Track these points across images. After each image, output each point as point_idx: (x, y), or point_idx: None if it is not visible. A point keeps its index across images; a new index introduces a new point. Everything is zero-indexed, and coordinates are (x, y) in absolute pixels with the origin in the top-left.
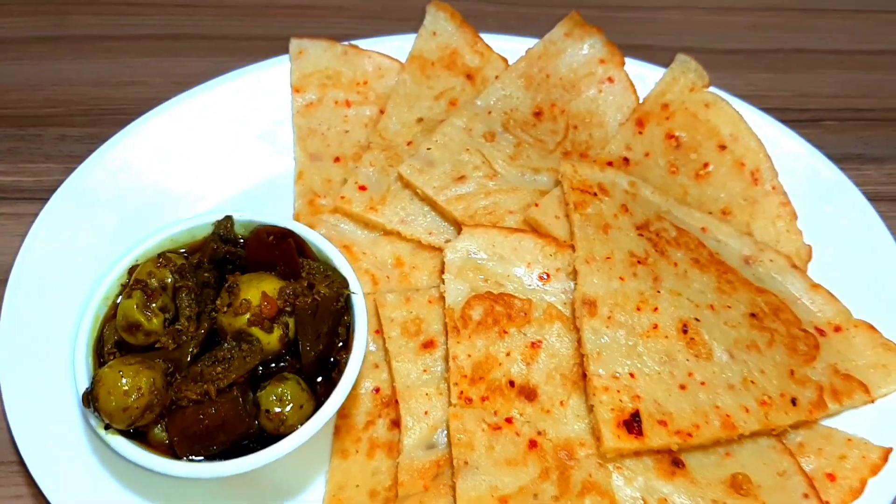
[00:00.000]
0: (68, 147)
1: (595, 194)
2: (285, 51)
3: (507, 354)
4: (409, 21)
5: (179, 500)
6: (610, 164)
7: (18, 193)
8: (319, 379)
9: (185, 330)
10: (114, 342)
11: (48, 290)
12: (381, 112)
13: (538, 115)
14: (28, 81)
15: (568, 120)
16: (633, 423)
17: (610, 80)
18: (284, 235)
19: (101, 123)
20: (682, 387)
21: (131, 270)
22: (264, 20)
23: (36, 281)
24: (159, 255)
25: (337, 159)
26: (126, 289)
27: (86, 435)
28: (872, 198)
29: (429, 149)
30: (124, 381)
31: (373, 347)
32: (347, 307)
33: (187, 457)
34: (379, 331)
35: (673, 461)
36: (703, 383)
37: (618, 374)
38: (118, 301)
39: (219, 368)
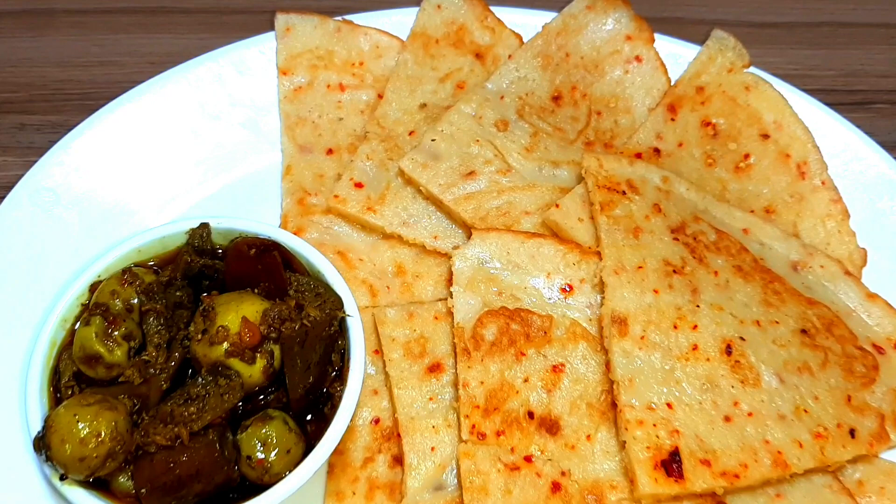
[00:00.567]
0: (27, 137)
1: (623, 193)
2: (271, 27)
3: (525, 380)
4: None
5: None
6: (639, 155)
7: None
8: (310, 416)
9: (153, 361)
10: (72, 374)
11: None
12: (380, 97)
13: (557, 99)
14: None
15: (590, 105)
16: (672, 464)
17: (638, 59)
18: (268, 247)
19: (65, 110)
20: (727, 418)
21: (93, 287)
22: None
23: None
24: (124, 271)
25: (330, 151)
26: (86, 311)
27: (43, 484)
28: None
29: (433, 140)
30: (81, 425)
31: (372, 370)
32: (342, 331)
33: None
34: (378, 351)
35: None
36: (750, 414)
37: (653, 405)
38: (77, 326)
39: (192, 408)
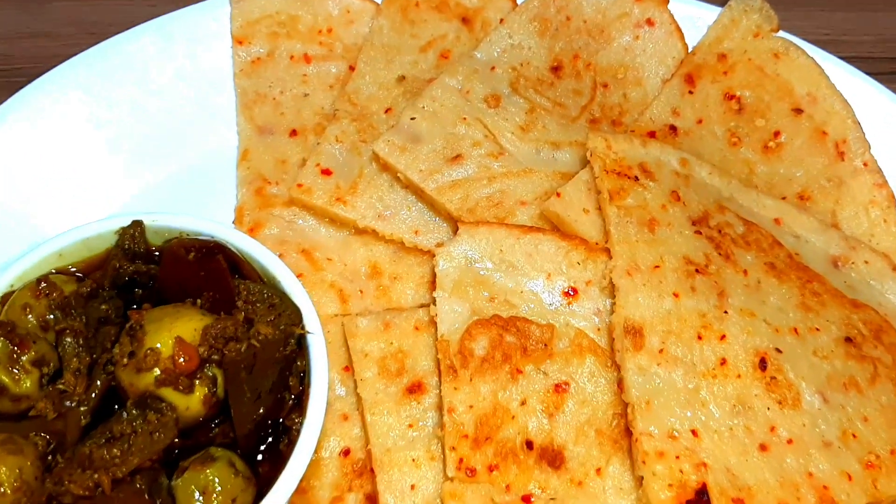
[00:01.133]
0: None
1: (636, 178)
2: None
3: (523, 403)
4: None
5: None
6: (652, 134)
7: None
8: (262, 455)
9: (71, 391)
10: None
11: None
12: (351, 69)
13: (557, 70)
14: None
15: (595, 76)
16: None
17: (649, 22)
18: (211, 250)
19: None
20: (763, 447)
21: (4, 299)
22: None
23: None
24: (40, 280)
25: (293, 133)
26: None
27: None
28: None
29: (413, 118)
30: None
31: (341, 391)
32: (301, 349)
33: None
34: (349, 368)
35: None
36: (790, 441)
37: (676, 432)
38: None
39: (115, 449)
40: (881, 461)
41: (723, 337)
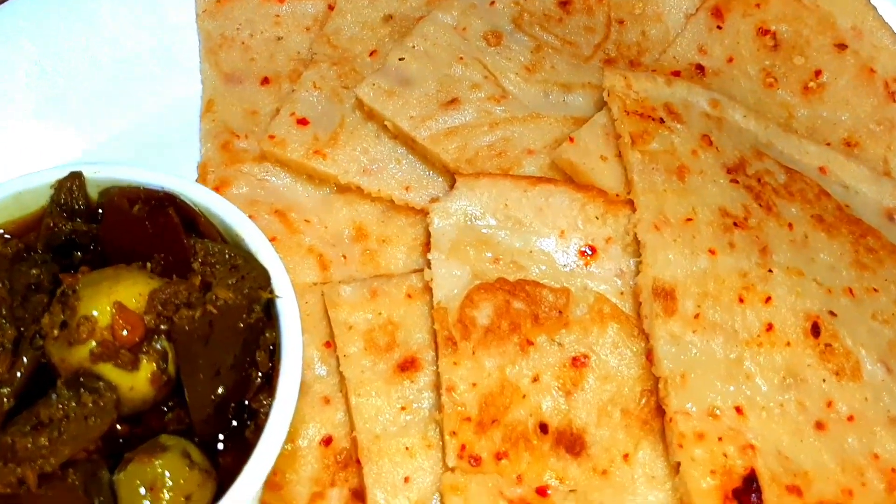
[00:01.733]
0: None
1: (661, 120)
2: None
3: (535, 380)
4: None
5: None
6: (676, 74)
7: None
8: (223, 444)
9: None
10: None
11: None
12: (330, 8)
13: (565, 4)
14: None
15: (610, 11)
16: (747, 494)
17: None
18: (161, 202)
19: None
20: (820, 426)
21: None
22: None
23: None
24: None
25: (265, 81)
26: None
27: None
28: None
29: (401, 59)
30: None
31: (321, 371)
32: (270, 319)
33: None
34: (330, 343)
35: None
36: (850, 418)
37: (717, 410)
38: None
39: (43, 439)
40: None
41: (768, 299)
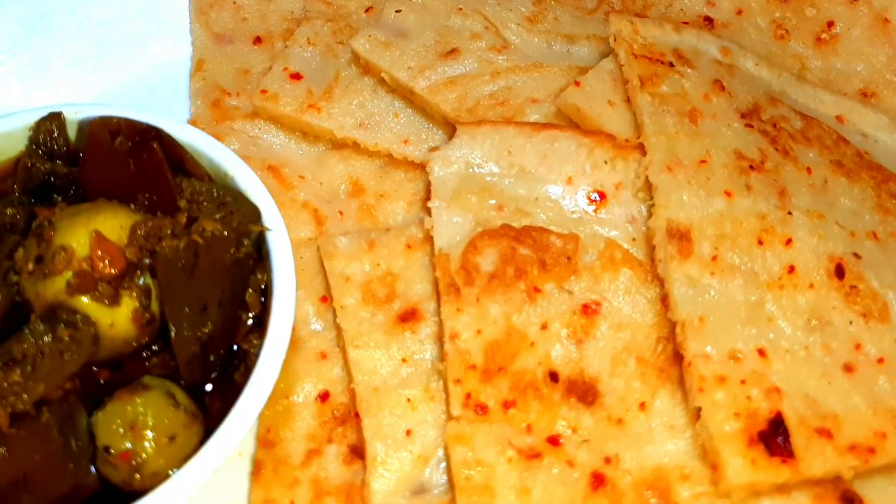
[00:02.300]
0: None
1: (671, 64)
2: None
3: (543, 328)
4: None
5: None
6: (685, 25)
7: None
8: (210, 387)
9: None
10: None
11: None
12: None
13: None
14: None
15: None
16: (774, 437)
17: None
18: (145, 137)
19: None
20: (849, 368)
21: None
22: None
23: None
24: None
25: (258, 40)
26: None
27: None
28: None
29: (398, 11)
30: None
31: (317, 326)
32: (262, 258)
33: None
34: (326, 298)
35: (843, 497)
36: (880, 360)
37: (739, 353)
38: None
39: (15, 375)
40: None
41: (788, 241)
